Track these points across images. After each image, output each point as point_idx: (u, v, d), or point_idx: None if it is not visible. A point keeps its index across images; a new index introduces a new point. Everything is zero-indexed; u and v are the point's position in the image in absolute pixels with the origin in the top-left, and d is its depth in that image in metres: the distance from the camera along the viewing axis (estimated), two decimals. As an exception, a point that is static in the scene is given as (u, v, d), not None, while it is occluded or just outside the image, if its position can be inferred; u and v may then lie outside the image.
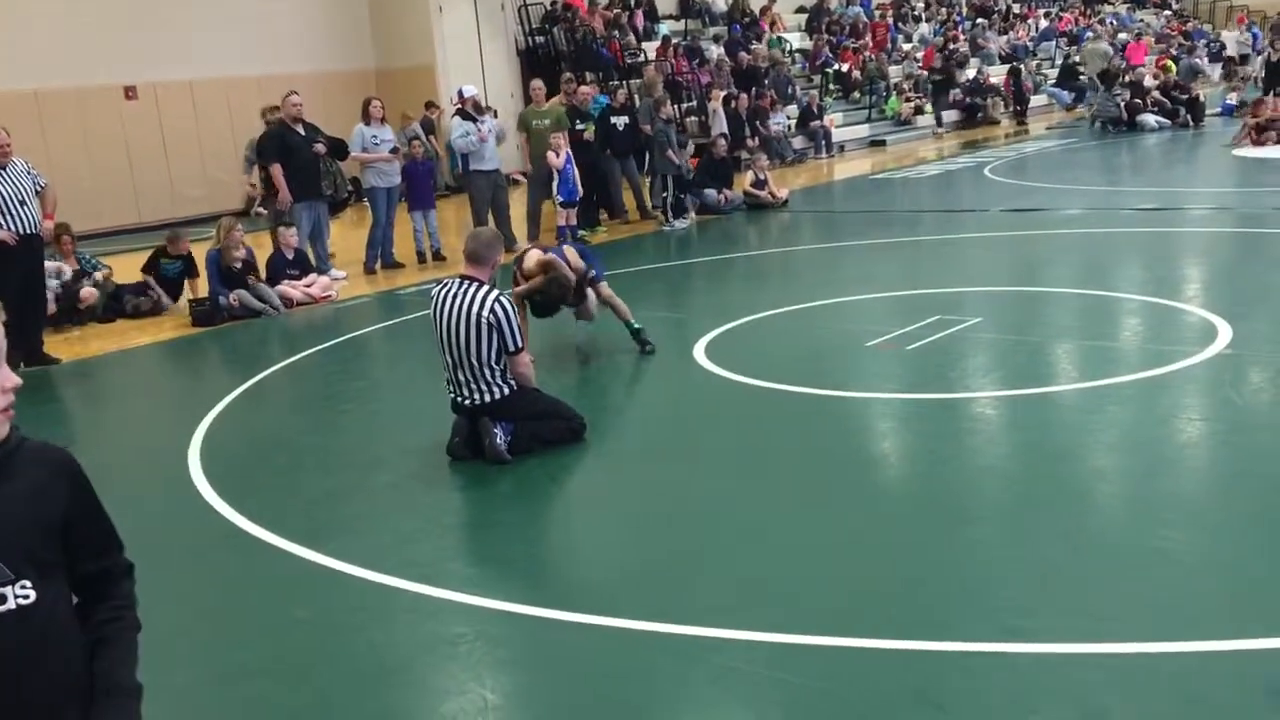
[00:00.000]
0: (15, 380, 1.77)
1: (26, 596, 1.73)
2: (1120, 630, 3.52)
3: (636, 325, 7.64)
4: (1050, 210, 12.65)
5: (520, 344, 5.70)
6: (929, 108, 24.66)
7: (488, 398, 5.65)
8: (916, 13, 30.11)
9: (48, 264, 10.37)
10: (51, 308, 10.02)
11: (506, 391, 5.68)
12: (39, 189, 8.82)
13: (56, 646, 1.78)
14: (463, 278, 5.74)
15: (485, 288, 5.67)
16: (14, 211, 8.50)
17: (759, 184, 14.87)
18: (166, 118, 18.38)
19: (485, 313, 5.57)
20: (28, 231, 8.61)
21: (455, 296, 5.66)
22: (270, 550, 4.75)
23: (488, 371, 5.64)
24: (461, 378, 5.69)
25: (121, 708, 1.85)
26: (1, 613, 1.71)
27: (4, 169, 8.53)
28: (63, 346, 9.38)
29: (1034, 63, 28.89)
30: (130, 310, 10.66)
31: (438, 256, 12.44)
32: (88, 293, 10.42)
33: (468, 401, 5.69)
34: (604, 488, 5.42)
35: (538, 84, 13.92)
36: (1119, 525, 4.42)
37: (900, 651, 3.51)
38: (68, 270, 10.50)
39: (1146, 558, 4.06)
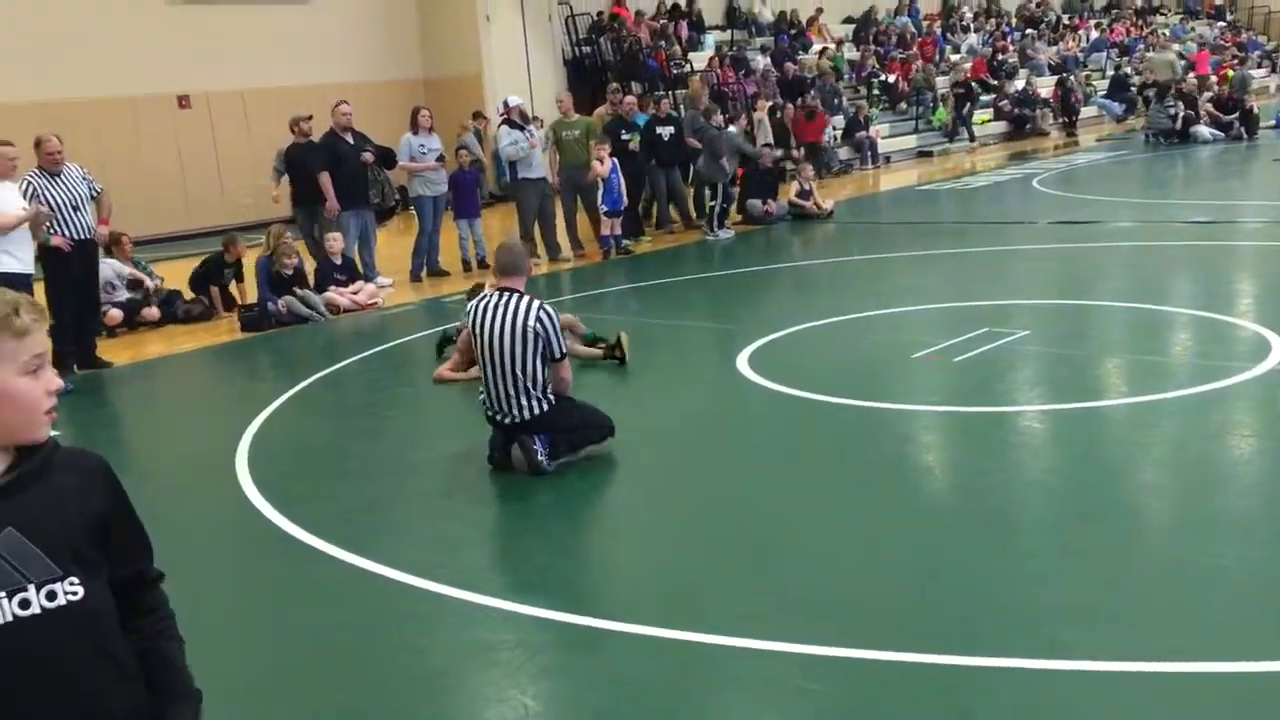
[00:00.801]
0: (59, 383, 1.82)
1: (75, 593, 1.76)
2: (1171, 649, 3.46)
3: (592, 334, 7.91)
4: (1100, 223, 12.50)
5: (564, 351, 5.71)
6: (975, 117, 24.49)
7: (527, 414, 5.57)
8: (964, 23, 29.91)
9: (118, 269, 10.62)
10: (117, 316, 10.24)
11: (545, 407, 5.62)
12: (94, 194, 8.98)
13: (104, 642, 1.82)
14: (500, 289, 5.71)
15: (526, 297, 5.66)
16: (69, 218, 8.66)
17: (804, 194, 14.84)
18: (218, 126, 18.67)
19: (532, 322, 5.56)
20: (82, 237, 8.77)
21: (497, 308, 5.63)
22: (315, 554, 4.79)
23: (530, 384, 5.58)
24: (503, 392, 5.61)
25: (195, 710, 1.93)
26: (52, 609, 1.74)
27: (58, 175, 8.69)
28: (114, 350, 9.54)
29: (1084, 74, 28.60)
30: (182, 315, 10.83)
31: (483, 264, 12.51)
32: (150, 312, 10.66)
33: (506, 419, 5.63)
34: (644, 497, 5.41)
35: (565, 95, 13.96)
36: (1169, 541, 4.35)
37: (940, 666, 3.46)
38: (126, 271, 10.73)
39: (1198, 575, 3.99)
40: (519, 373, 5.57)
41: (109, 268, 10.46)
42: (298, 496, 5.55)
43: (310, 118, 11.88)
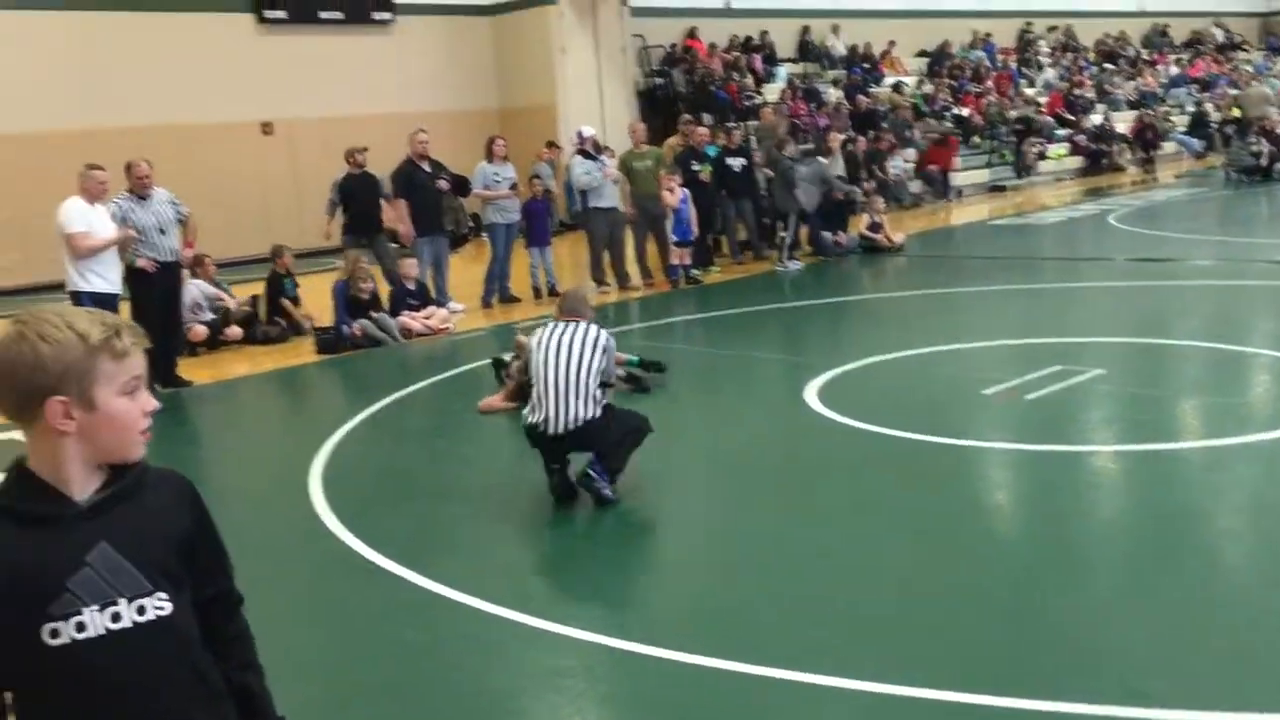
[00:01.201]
0: (155, 404, 1.86)
1: (162, 608, 1.80)
2: (1250, 699, 3.38)
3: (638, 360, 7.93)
4: (1179, 261, 12.27)
5: (614, 379, 5.90)
6: (1051, 151, 24.20)
7: (580, 420, 5.52)
8: (1040, 59, 29.60)
9: (205, 290, 10.92)
10: (202, 332, 10.53)
11: (599, 413, 5.60)
12: (181, 218, 9.23)
13: (190, 657, 1.86)
14: (566, 321, 5.83)
15: (594, 325, 5.81)
16: (155, 240, 8.92)
17: (875, 227, 14.77)
18: (299, 152, 19.10)
19: (601, 338, 5.72)
20: (167, 259, 9.02)
21: (564, 328, 5.74)
22: (385, 574, 4.86)
23: (588, 388, 5.57)
24: (560, 397, 5.54)
25: None
26: (141, 623, 1.78)
27: (146, 199, 8.96)
28: (194, 370, 9.77)
29: (1163, 110, 28.15)
30: (260, 337, 11.09)
31: (553, 292, 12.62)
32: (233, 330, 10.95)
33: (556, 428, 5.53)
34: (710, 527, 5.41)
35: (639, 125, 14.03)
36: (1249, 588, 4.25)
37: (1012, 710, 3.41)
38: (212, 292, 11.03)
39: (1278, 623, 3.89)
40: (582, 373, 5.58)
41: (196, 288, 10.77)
42: (369, 517, 5.64)
43: (365, 149, 12.15)
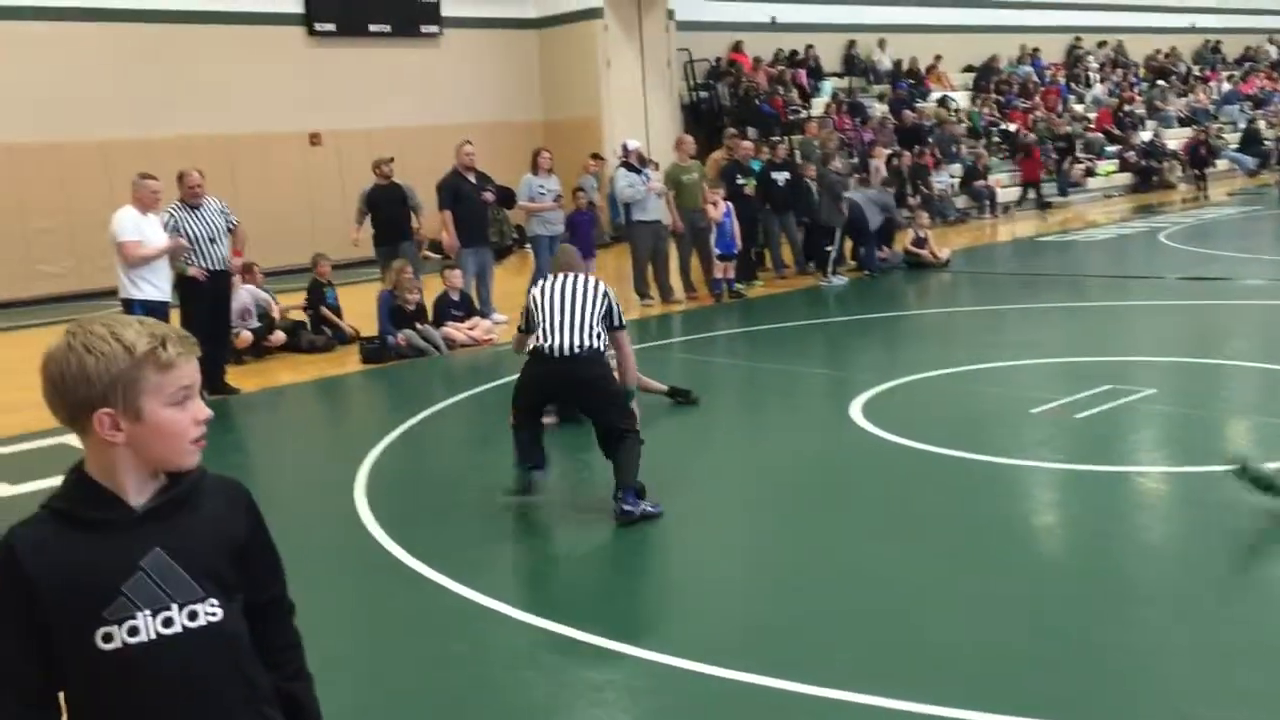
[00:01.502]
0: (207, 412, 1.85)
1: (214, 614, 1.81)
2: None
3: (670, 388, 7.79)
4: (1231, 280, 12.07)
5: (624, 323, 5.94)
6: (1099, 168, 23.94)
7: (590, 345, 5.62)
8: (1089, 75, 29.30)
9: (256, 295, 11.05)
10: (248, 338, 10.65)
11: (601, 345, 5.69)
12: (231, 227, 9.35)
13: (240, 663, 1.86)
14: (565, 273, 5.98)
15: (598, 279, 5.97)
16: (205, 249, 9.03)
17: (919, 242, 14.67)
18: (346, 163, 19.27)
19: (602, 286, 5.89)
20: (216, 268, 9.13)
21: (564, 277, 5.90)
22: (429, 584, 4.87)
23: (596, 324, 5.70)
24: (566, 325, 5.65)
25: None
26: (192, 629, 1.79)
27: (198, 208, 9.08)
28: (241, 378, 9.87)
29: (1215, 127, 27.77)
30: (306, 346, 11.18)
31: (596, 305, 12.64)
32: (278, 336, 11.07)
33: (561, 350, 5.60)
34: (754, 542, 5.37)
35: (686, 138, 14.01)
36: (1306, 616, 4.15)
37: (1064, 733, 3.36)
38: (264, 297, 11.15)
39: (1338, 653, 3.80)
40: (586, 312, 5.70)
41: (246, 293, 10.89)
42: (413, 526, 5.66)
43: (391, 160, 12.30)
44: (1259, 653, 3.82)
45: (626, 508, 5.43)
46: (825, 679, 3.73)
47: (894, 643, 4.06)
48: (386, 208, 12.04)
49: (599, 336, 5.72)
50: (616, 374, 6.02)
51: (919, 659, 3.91)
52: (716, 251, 12.86)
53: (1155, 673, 3.74)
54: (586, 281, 5.88)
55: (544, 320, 5.75)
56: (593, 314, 5.74)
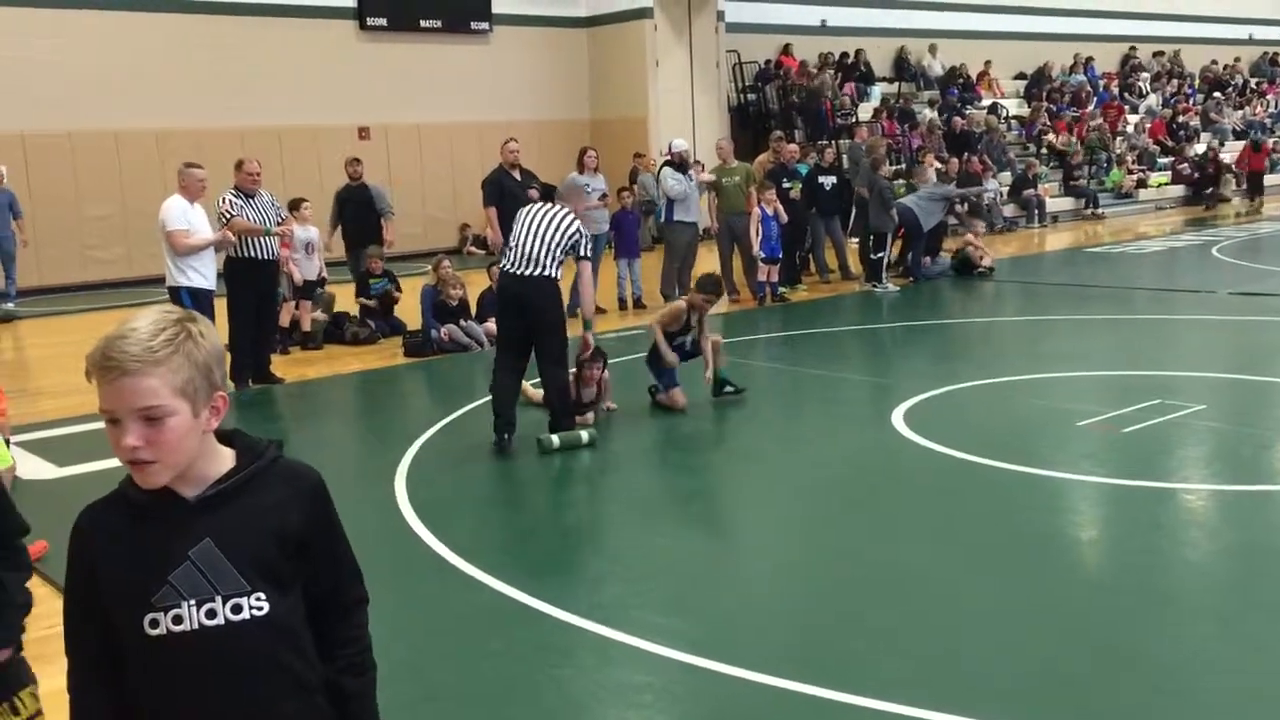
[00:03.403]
0: (129, 442, 1.72)
1: (260, 608, 1.80)
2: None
3: (724, 376, 7.98)
4: (1285, 296, 11.86)
5: (590, 255, 7.02)
6: (1152, 179, 23.61)
7: (545, 272, 6.70)
8: (1141, 84, 28.89)
9: (310, 233, 11.20)
10: (290, 316, 10.76)
11: (557, 275, 6.77)
12: (279, 220, 9.47)
13: (285, 656, 1.85)
14: (554, 203, 7.01)
15: (573, 214, 6.89)
16: (258, 239, 9.12)
17: (969, 248, 14.53)
18: (394, 157, 19.42)
19: (573, 226, 6.82)
20: (266, 258, 9.22)
21: (545, 209, 6.92)
22: (468, 580, 4.88)
23: (557, 252, 6.75)
24: (528, 249, 6.73)
25: None
26: (236, 621, 1.79)
27: (253, 197, 9.18)
28: (285, 368, 9.96)
29: (1271, 140, 27.29)
30: (349, 338, 11.27)
31: (638, 304, 12.64)
32: (308, 318, 11.13)
33: (520, 269, 6.70)
34: (796, 549, 5.34)
35: (725, 142, 13.93)
36: (1359, 642, 4.06)
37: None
38: (310, 237, 11.29)
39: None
40: (550, 242, 6.74)
41: (300, 229, 10.98)
42: (454, 521, 5.67)
43: (359, 160, 12.43)
44: (1310, 678, 3.74)
45: (540, 438, 6.71)
46: (867, 688, 3.70)
47: (935, 654, 4.01)
48: (352, 209, 12.10)
49: (557, 264, 6.73)
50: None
51: (961, 670, 3.86)
52: (760, 255, 12.80)
53: (1205, 692, 3.67)
54: (561, 213, 6.80)
55: (514, 241, 6.81)
56: (555, 243, 6.71)
